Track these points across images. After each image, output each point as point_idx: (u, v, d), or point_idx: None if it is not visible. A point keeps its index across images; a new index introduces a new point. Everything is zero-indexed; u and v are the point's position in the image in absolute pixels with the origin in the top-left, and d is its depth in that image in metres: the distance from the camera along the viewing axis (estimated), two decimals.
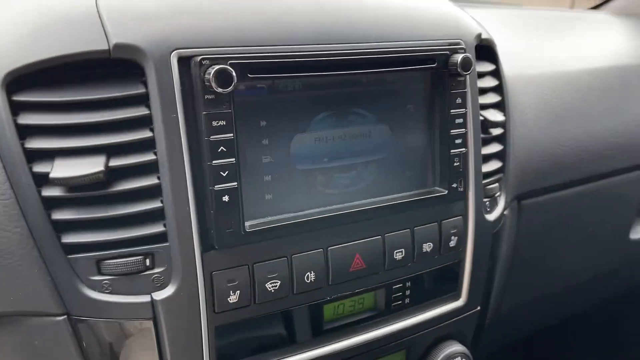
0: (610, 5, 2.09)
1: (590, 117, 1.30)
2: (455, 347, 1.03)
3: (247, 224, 0.77)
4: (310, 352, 0.88)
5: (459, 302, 1.03)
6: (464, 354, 1.04)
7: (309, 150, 0.83)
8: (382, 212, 0.88)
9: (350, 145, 0.86)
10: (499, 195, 1.08)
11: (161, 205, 0.74)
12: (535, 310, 1.52)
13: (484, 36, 1.01)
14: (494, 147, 1.08)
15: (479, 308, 1.08)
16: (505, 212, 1.11)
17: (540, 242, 1.32)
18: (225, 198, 0.74)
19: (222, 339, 0.81)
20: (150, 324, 0.76)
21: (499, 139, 1.09)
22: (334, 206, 0.85)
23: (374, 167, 0.88)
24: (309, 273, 0.84)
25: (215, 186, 0.73)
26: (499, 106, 1.09)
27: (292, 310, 0.85)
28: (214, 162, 0.73)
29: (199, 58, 0.71)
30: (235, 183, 0.75)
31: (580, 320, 2.01)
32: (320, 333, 0.89)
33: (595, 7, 2.13)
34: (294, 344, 0.87)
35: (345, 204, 0.86)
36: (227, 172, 0.74)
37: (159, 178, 0.74)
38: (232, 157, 0.74)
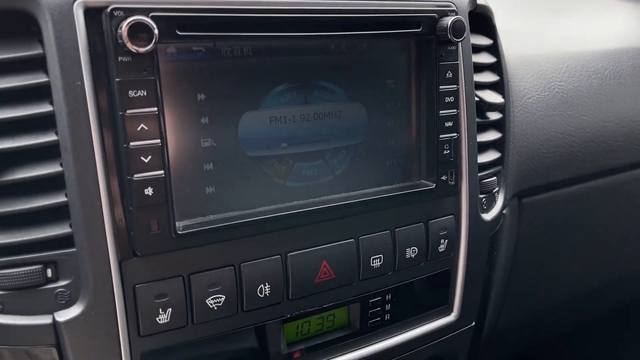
0: None
1: (600, 104, 1.14)
2: None
3: (179, 224, 0.61)
4: None
5: (450, 318, 0.87)
6: None
7: (262, 132, 0.66)
8: (356, 209, 0.72)
9: (315, 127, 0.70)
10: (497, 192, 0.92)
11: (65, 200, 0.58)
12: (537, 324, 1.36)
13: (479, 1, 0.85)
14: (492, 135, 0.92)
15: (473, 324, 0.92)
16: (504, 212, 0.95)
17: (544, 246, 1.16)
18: (149, 191, 0.58)
19: None
20: (53, 352, 0.60)
21: (497, 125, 0.93)
22: (295, 202, 0.69)
23: (346, 154, 0.72)
24: (262, 285, 0.67)
25: (135, 175, 0.57)
26: (497, 87, 0.93)
27: (242, 332, 0.69)
28: (131, 144, 0.57)
29: (110, 8, 0.55)
30: (162, 172, 0.58)
31: (583, 332, 1.85)
32: (279, 359, 0.73)
33: None
34: None
35: (310, 200, 0.69)
36: (149, 157, 0.57)
37: (62, 165, 0.57)
38: (157, 139, 0.58)
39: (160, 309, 0.62)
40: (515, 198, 1.03)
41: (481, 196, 0.87)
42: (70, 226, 0.58)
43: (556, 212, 1.14)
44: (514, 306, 1.14)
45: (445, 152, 0.76)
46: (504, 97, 0.92)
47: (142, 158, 0.57)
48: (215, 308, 0.65)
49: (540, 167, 1.03)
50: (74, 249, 0.58)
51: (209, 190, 0.64)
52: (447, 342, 0.88)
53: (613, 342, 1.85)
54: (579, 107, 1.10)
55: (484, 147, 0.90)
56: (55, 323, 0.58)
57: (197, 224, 0.62)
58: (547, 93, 1.06)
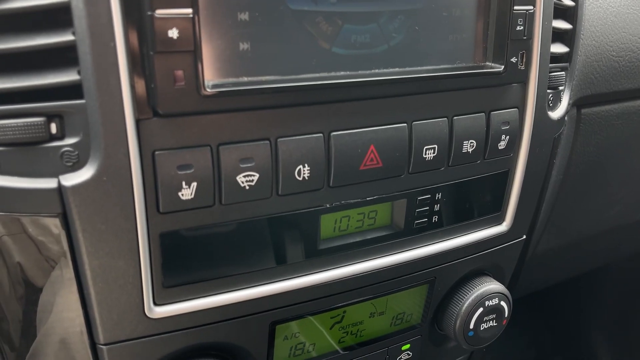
0: None
1: None
2: (492, 286, 0.79)
3: (209, 82, 0.51)
4: (298, 279, 0.63)
5: (502, 228, 0.78)
6: (503, 295, 0.79)
7: None
8: (411, 87, 0.61)
9: None
10: (563, 91, 0.81)
11: (73, 38, 0.47)
12: (575, 252, 1.27)
13: None
14: (562, 24, 0.79)
15: (524, 237, 0.83)
16: (565, 117, 0.84)
17: (596, 165, 1.05)
18: (173, 33, 0.47)
19: (170, 253, 0.56)
20: (57, 222, 0.51)
21: (568, 14, 0.81)
22: (343, 72, 0.58)
23: (403, 21, 0.60)
24: (301, 167, 0.58)
25: (157, 11, 0.46)
26: None
27: (275, 219, 0.60)
28: None
29: None
30: (190, 10, 0.47)
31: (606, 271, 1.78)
32: (313, 255, 0.64)
33: None
34: (276, 267, 0.62)
35: (359, 72, 0.59)
36: None
37: None
38: None
39: (184, 182, 0.52)
40: (575, 108, 0.92)
41: (548, 91, 0.76)
42: (79, 73, 0.48)
43: (614, 129, 1.03)
44: (558, 228, 1.05)
45: (518, 28, 0.64)
46: None
47: None
48: (247, 187, 0.55)
49: (606, 71, 0.91)
50: (83, 101, 0.49)
51: (243, 46, 0.53)
52: (494, 255, 0.79)
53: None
54: None
55: (553, 37, 0.77)
56: (60, 188, 0.49)
57: (229, 83, 0.52)
58: None
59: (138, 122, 0.50)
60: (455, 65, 0.64)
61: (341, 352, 0.74)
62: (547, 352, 1.95)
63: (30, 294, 0.58)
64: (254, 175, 0.56)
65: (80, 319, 0.56)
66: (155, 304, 0.57)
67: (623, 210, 1.22)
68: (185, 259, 0.57)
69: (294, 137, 0.57)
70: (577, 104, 0.91)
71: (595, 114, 0.97)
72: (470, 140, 0.67)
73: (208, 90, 0.50)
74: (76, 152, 0.50)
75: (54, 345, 0.60)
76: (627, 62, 0.94)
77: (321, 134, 0.58)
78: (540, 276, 1.33)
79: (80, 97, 0.48)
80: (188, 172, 0.52)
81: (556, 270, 1.38)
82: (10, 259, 0.55)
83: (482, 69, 0.65)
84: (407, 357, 0.81)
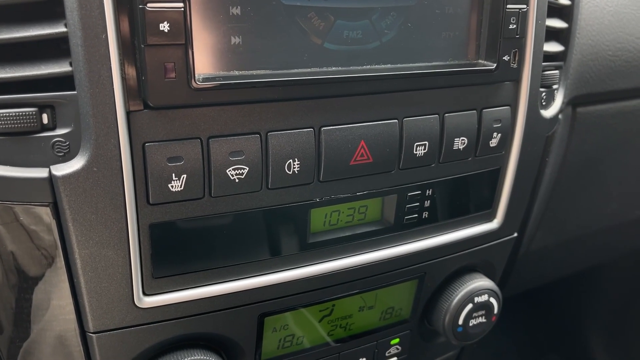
0: None
1: None
2: (482, 282, 0.79)
3: (199, 75, 0.51)
4: (287, 272, 0.64)
5: (493, 225, 0.78)
6: (493, 291, 0.80)
7: None
8: (403, 83, 0.62)
9: None
10: (557, 90, 0.81)
11: (65, 30, 0.48)
12: (569, 250, 1.28)
13: None
14: (557, 23, 0.79)
15: (515, 235, 0.83)
16: (559, 116, 0.85)
17: (591, 165, 1.06)
18: (164, 26, 0.48)
19: (160, 244, 0.56)
20: (48, 212, 0.52)
21: (564, 13, 0.81)
22: (334, 68, 0.58)
23: (396, 17, 0.61)
24: (291, 161, 0.58)
25: (148, 4, 0.47)
26: None
27: (265, 212, 0.60)
28: None
29: None
30: (181, 4, 0.48)
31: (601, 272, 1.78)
32: (303, 248, 0.65)
33: None
34: (265, 259, 0.63)
35: (351, 67, 0.59)
36: None
37: None
38: None
39: (174, 174, 0.53)
40: (570, 107, 0.92)
41: (541, 90, 0.76)
42: (71, 64, 0.49)
43: (609, 128, 1.03)
44: (553, 225, 1.06)
45: (511, 26, 0.64)
46: None
47: None
48: (237, 180, 0.56)
49: (602, 70, 0.92)
50: (74, 92, 0.49)
51: (235, 40, 0.53)
52: (485, 252, 0.80)
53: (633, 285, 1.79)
54: None
55: (548, 35, 0.78)
56: (51, 177, 0.50)
57: (219, 77, 0.52)
58: None
59: (129, 114, 0.50)
60: (447, 63, 0.64)
61: (330, 345, 0.75)
62: (542, 349, 1.96)
63: (23, 282, 0.59)
64: (243, 169, 0.56)
65: (71, 307, 0.57)
66: (144, 293, 0.58)
67: (619, 209, 1.23)
68: (174, 250, 0.57)
69: (284, 132, 0.57)
70: (572, 103, 0.91)
71: (590, 113, 0.97)
72: (462, 138, 0.68)
73: (198, 83, 0.51)
74: (67, 143, 0.50)
75: (45, 332, 0.61)
76: (623, 61, 0.94)
77: (312, 129, 0.59)
78: (535, 273, 1.33)
79: (72, 88, 0.49)
80: (178, 164, 0.53)
81: (552, 268, 1.39)
82: (2, 247, 0.56)
83: (474, 66, 0.65)
84: (396, 351, 0.81)
